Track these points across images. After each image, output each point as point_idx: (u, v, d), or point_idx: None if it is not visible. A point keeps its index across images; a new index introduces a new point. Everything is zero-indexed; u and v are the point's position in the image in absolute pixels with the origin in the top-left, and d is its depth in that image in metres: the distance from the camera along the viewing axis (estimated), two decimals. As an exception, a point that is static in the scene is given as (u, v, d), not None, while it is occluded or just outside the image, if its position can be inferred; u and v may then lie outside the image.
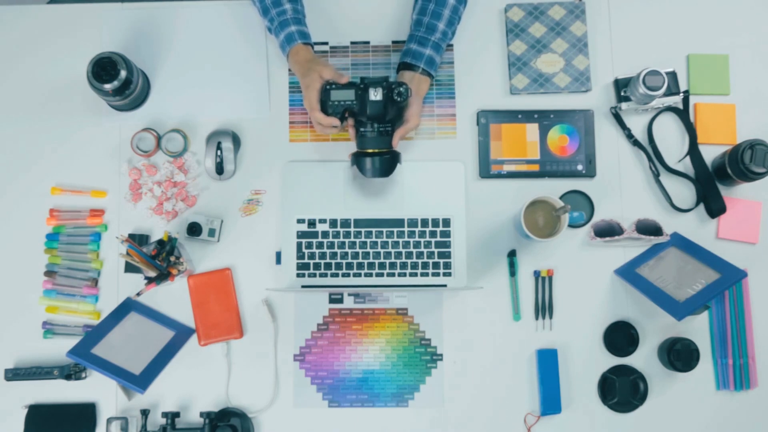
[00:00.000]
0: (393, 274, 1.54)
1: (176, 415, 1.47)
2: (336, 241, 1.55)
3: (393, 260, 1.54)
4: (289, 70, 1.62)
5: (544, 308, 1.55)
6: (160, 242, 1.48)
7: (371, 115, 1.42)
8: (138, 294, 1.45)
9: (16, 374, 1.51)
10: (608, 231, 1.56)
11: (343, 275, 1.54)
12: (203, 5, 1.64)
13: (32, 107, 1.58)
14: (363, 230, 1.55)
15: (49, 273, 1.55)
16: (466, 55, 1.62)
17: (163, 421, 1.48)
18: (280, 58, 1.62)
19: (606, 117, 1.60)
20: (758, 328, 1.55)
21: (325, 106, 1.44)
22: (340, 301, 1.55)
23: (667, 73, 1.57)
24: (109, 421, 1.50)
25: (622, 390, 1.51)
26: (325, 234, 1.55)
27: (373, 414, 1.53)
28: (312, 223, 1.55)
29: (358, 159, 1.47)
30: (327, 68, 1.45)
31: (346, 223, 1.55)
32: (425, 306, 1.55)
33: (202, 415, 1.46)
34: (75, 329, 1.54)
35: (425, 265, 1.54)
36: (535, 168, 1.58)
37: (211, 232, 1.55)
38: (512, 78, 1.58)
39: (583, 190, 1.58)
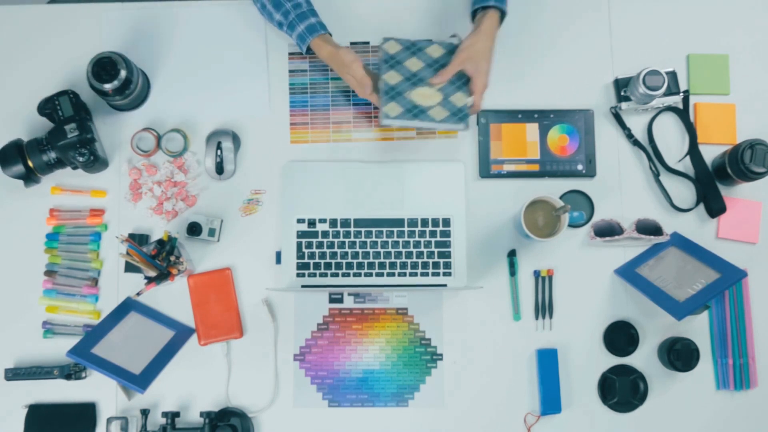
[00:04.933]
0: (393, 274, 1.54)
1: (176, 414, 1.47)
2: (336, 241, 1.55)
3: (393, 260, 1.54)
4: (291, 71, 1.62)
5: (544, 308, 1.55)
6: (160, 242, 1.48)
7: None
8: (138, 294, 1.45)
9: (16, 374, 1.51)
10: (608, 231, 1.56)
11: (343, 275, 1.54)
12: (203, 5, 1.64)
13: (32, 107, 1.57)
14: (363, 230, 1.55)
15: (49, 273, 1.55)
16: (466, 55, 1.62)
17: (163, 420, 1.48)
18: (280, 58, 1.62)
19: (606, 117, 1.60)
20: (758, 328, 1.55)
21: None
22: (340, 300, 1.55)
23: (667, 73, 1.57)
24: (109, 421, 1.50)
25: (622, 390, 1.51)
26: (325, 234, 1.55)
27: (373, 414, 1.53)
28: (312, 223, 1.55)
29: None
30: (355, 63, 1.46)
31: (346, 223, 1.55)
32: (425, 306, 1.55)
33: (202, 415, 1.46)
34: (75, 329, 1.54)
35: (425, 265, 1.54)
36: (535, 168, 1.58)
37: (211, 232, 1.55)
38: (384, 105, 1.45)
39: (583, 190, 1.58)
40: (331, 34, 1.53)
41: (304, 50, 1.52)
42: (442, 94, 1.48)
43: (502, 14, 1.51)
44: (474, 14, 1.52)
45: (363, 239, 1.55)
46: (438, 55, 1.52)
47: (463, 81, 1.49)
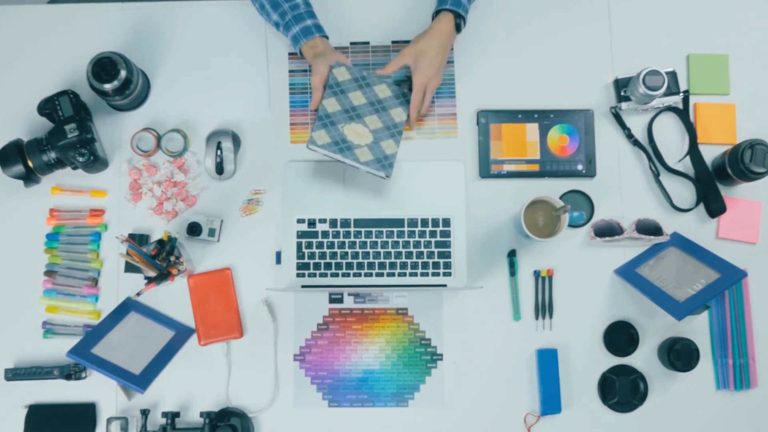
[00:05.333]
0: (393, 274, 1.54)
1: (176, 415, 1.47)
2: (336, 241, 1.55)
3: (393, 260, 1.54)
4: (291, 71, 1.62)
5: (544, 308, 1.55)
6: (160, 242, 1.48)
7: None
8: (138, 294, 1.45)
9: (16, 374, 1.51)
10: (608, 231, 1.56)
11: (343, 275, 1.54)
12: (203, 5, 1.64)
13: (32, 107, 1.57)
14: (363, 230, 1.55)
15: (49, 273, 1.55)
16: (467, 54, 1.62)
17: (163, 421, 1.48)
18: (280, 58, 1.62)
19: (606, 117, 1.60)
20: (758, 328, 1.55)
21: None
22: (340, 301, 1.55)
23: (667, 73, 1.57)
24: (109, 421, 1.51)
25: (622, 390, 1.51)
26: (325, 234, 1.55)
27: (373, 414, 1.53)
28: (312, 223, 1.55)
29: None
30: (316, 75, 1.48)
31: (346, 223, 1.55)
32: (425, 306, 1.55)
33: (202, 415, 1.46)
34: (75, 329, 1.54)
35: (425, 265, 1.54)
36: (535, 168, 1.58)
37: (211, 232, 1.55)
38: (314, 131, 1.46)
39: (583, 190, 1.58)
40: (327, 36, 1.53)
41: (298, 51, 1.53)
42: (373, 137, 1.48)
43: (459, 18, 1.51)
44: (434, 17, 1.54)
45: (363, 239, 1.55)
46: (383, 96, 1.52)
47: (397, 129, 1.50)
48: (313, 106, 1.50)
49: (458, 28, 1.53)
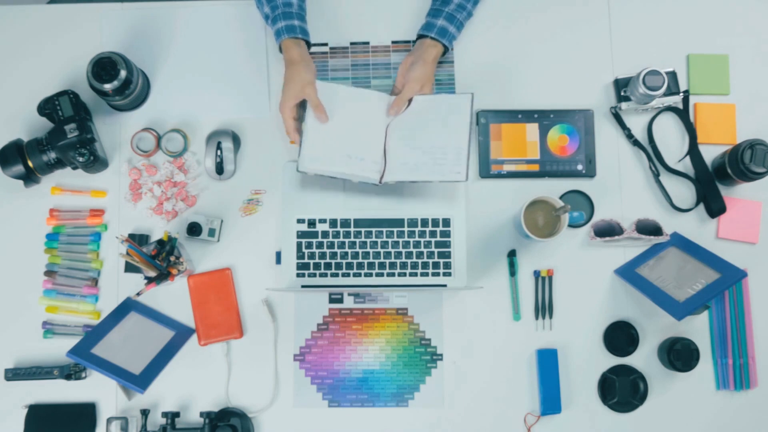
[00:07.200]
0: (393, 274, 1.54)
1: (176, 415, 1.47)
2: (336, 241, 1.55)
3: (393, 260, 1.54)
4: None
5: (544, 308, 1.55)
6: (160, 242, 1.48)
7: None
8: (138, 294, 1.46)
9: (16, 374, 1.51)
10: (608, 231, 1.56)
11: (343, 275, 1.54)
12: (203, 5, 1.64)
13: (32, 107, 1.58)
14: (363, 230, 1.55)
15: (49, 273, 1.55)
16: (467, 54, 1.62)
17: (163, 421, 1.48)
18: (280, 58, 1.62)
19: (606, 117, 1.60)
20: (758, 328, 1.55)
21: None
22: (340, 301, 1.55)
23: (667, 73, 1.57)
24: (109, 421, 1.51)
25: (622, 390, 1.51)
26: (325, 234, 1.55)
27: (373, 414, 1.53)
28: (312, 223, 1.55)
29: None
30: (311, 85, 1.48)
31: (346, 223, 1.55)
32: (425, 306, 1.55)
33: (202, 415, 1.46)
34: (75, 329, 1.54)
35: (425, 265, 1.54)
36: (535, 168, 1.58)
37: (211, 232, 1.55)
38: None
39: (583, 190, 1.58)
40: (310, 43, 1.53)
41: (279, 47, 1.53)
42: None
43: (445, 49, 1.55)
44: (419, 37, 1.56)
45: (363, 239, 1.55)
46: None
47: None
48: (324, 121, 1.50)
49: (443, 54, 1.56)
